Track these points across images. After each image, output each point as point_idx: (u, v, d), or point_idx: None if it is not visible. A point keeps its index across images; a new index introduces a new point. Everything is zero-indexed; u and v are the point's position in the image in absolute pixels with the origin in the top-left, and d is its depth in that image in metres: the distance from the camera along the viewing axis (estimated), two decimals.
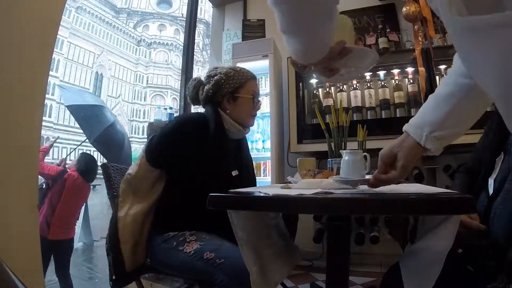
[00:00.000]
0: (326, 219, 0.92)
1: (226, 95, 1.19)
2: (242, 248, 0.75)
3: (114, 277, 1.00)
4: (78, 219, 2.93)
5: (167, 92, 37.14)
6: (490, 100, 0.64)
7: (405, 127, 0.69)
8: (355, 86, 2.31)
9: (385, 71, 2.25)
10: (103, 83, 33.32)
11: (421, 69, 2.04)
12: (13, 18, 1.18)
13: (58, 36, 1.47)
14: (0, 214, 1.11)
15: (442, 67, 2.05)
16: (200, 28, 33.21)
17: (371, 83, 2.31)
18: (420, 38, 2.09)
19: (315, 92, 2.50)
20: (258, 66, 2.42)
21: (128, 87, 35.91)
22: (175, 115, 2.84)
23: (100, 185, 5.72)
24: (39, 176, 1.81)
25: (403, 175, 0.66)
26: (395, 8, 2.53)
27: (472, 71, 0.49)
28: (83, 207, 3.28)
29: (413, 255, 0.73)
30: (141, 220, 1.06)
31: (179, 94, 3.15)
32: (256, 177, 1.40)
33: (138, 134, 33.80)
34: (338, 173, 0.88)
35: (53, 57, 1.43)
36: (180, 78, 3.16)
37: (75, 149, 5.10)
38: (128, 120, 34.40)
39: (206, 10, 29.90)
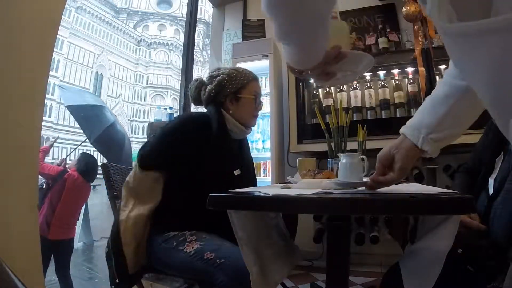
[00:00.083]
0: (326, 219, 0.92)
1: (229, 95, 1.20)
2: (242, 248, 0.75)
3: (117, 280, 1.00)
4: (78, 219, 2.94)
5: (167, 92, 37.14)
6: None
7: (402, 129, 0.69)
8: (355, 86, 2.31)
9: (385, 71, 2.25)
10: (103, 83, 33.32)
11: (421, 69, 2.04)
12: (13, 18, 1.18)
13: (58, 36, 1.47)
14: (0, 214, 1.11)
15: (442, 67, 2.05)
16: (200, 28, 33.22)
17: (371, 83, 2.31)
18: (420, 38, 2.09)
19: (315, 92, 2.50)
20: (258, 66, 2.42)
21: (128, 87, 35.91)
22: (175, 115, 2.84)
23: (100, 185, 5.71)
24: (39, 176, 1.81)
25: (401, 177, 0.66)
26: (395, 8, 2.53)
27: (464, 76, 0.49)
28: (83, 207, 3.28)
29: (413, 255, 0.73)
30: (143, 222, 1.06)
31: (179, 94, 3.15)
32: (256, 177, 1.40)
33: (138, 134, 33.79)
34: (338, 173, 0.88)
35: (53, 57, 1.43)
36: (180, 78, 3.16)
37: (75, 149, 5.10)
38: (128, 120, 34.40)
39: (206, 10, 29.90)
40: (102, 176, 1.28)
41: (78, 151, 3.71)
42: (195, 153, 1.11)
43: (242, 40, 2.77)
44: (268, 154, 2.40)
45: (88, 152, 3.14)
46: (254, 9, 3.05)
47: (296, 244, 1.19)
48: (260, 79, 1.29)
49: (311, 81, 2.44)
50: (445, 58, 2.02)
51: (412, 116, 0.71)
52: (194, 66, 3.18)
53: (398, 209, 0.65)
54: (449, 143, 0.68)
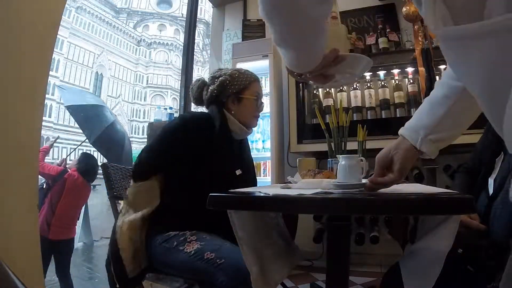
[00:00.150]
0: (326, 219, 0.92)
1: (231, 95, 1.20)
2: (242, 248, 0.75)
3: (117, 285, 1.01)
4: (78, 219, 2.94)
5: (167, 92, 37.14)
6: None
7: (401, 131, 0.70)
8: (355, 86, 2.31)
9: (385, 71, 2.25)
10: (103, 83, 33.32)
11: (421, 69, 2.04)
12: (13, 18, 1.18)
13: (58, 36, 1.47)
14: (0, 214, 1.11)
15: (442, 67, 2.05)
16: (200, 28, 33.22)
17: (371, 83, 2.31)
18: (420, 38, 2.09)
19: (315, 92, 2.50)
20: (258, 66, 2.42)
21: (128, 87, 35.90)
22: (175, 115, 2.84)
23: (100, 185, 5.72)
24: (39, 176, 1.81)
25: (400, 178, 0.66)
26: (395, 8, 2.53)
27: (459, 77, 0.50)
28: (83, 207, 3.28)
29: (413, 255, 0.73)
30: (138, 225, 1.06)
31: (179, 94, 3.15)
32: (256, 177, 1.40)
33: (138, 134, 33.80)
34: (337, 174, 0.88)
35: (53, 57, 1.43)
36: (180, 78, 3.16)
37: (75, 149, 5.10)
38: (128, 120, 34.40)
39: (206, 10, 29.90)
40: (102, 176, 1.28)
41: (78, 151, 3.71)
42: (196, 152, 1.11)
43: (242, 40, 2.77)
44: (268, 154, 2.40)
45: (89, 152, 3.14)
46: (254, 9, 3.05)
47: (296, 244, 1.19)
48: (260, 79, 1.30)
49: (311, 82, 2.44)
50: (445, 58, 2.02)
51: (412, 116, 0.71)
52: (194, 66, 3.18)
53: (398, 209, 0.65)
54: (448, 144, 0.68)
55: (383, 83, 2.24)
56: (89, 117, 3.43)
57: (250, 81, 1.23)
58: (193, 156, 1.11)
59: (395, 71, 2.24)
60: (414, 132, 0.67)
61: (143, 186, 1.10)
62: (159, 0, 40.68)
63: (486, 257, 0.84)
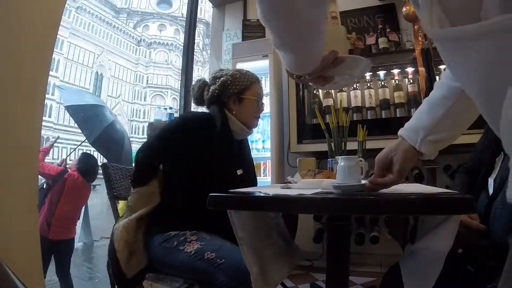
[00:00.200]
0: (326, 219, 0.92)
1: (232, 96, 1.21)
2: (242, 248, 0.75)
3: (116, 286, 1.01)
4: (79, 219, 2.94)
5: (167, 92, 37.13)
6: None
7: (400, 132, 0.70)
8: (355, 86, 2.31)
9: (385, 71, 2.25)
10: (103, 83, 33.31)
11: (421, 69, 2.04)
12: (13, 18, 1.18)
13: (58, 36, 1.47)
14: (0, 214, 1.11)
15: (442, 67, 2.05)
16: (200, 28, 33.21)
17: (371, 83, 2.31)
18: (420, 38, 2.09)
19: (315, 92, 2.50)
20: (258, 66, 2.42)
21: (128, 87, 35.89)
22: (175, 115, 2.84)
23: (100, 185, 5.72)
24: (40, 176, 1.81)
25: (400, 179, 0.67)
26: (395, 8, 2.53)
27: (456, 78, 0.50)
28: (83, 207, 3.28)
29: (413, 255, 0.73)
30: (134, 226, 1.06)
31: (179, 94, 3.15)
32: (256, 177, 1.40)
33: (138, 134, 33.78)
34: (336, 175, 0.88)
35: (53, 57, 1.43)
36: (180, 78, 3.16)
37: (75, 149, 5.10)
38: (128, 120, 34.39)
39: (206, 10, 29.89)
40: (102, 176, 1.29)
41: (78, 151, 3.71)
42: (196, 152, 1.11)
43: (242, 40, 2.77)
44: (268, 154, 2.40)
45: (89, 152, 3.14)
46: (254, 9, 3.05)
47: (296, 244, 1.19)
48: (260, 80, 1.31)
49: (310, 84, 2.44)
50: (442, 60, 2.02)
51: (412, 117, 0.71)
52: (194, 66, 3.18)
53: (398, 209, 0.65)
54: (447, 145, 0.68)
55: (383, 83, 2.24)
56: (88, 117, 3.43)
57: (251, 81, 1.23)
58: (193, 156, 1.11)
59: (395, 71, 2.24)
60: (414, 133, 0.67)
61: (143, 190, 1.11)
62: (159, 0, 40.68)
63: (486, 257, 0.84)
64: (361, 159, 0.76)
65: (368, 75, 2.29)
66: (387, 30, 2.40)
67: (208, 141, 1.12)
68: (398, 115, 2.16)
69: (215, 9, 3.31)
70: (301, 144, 2.26)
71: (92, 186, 2.89)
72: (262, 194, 0.71)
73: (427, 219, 0.74)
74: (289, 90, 2.39)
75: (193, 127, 1.13)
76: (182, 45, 3.49)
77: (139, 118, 35.55)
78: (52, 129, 24.85)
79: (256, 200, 0.71)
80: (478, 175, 1.05)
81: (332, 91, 2.39)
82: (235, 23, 3.09)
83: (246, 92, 1.22)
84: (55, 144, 3.37)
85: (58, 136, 6.48)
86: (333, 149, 1.39)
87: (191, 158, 1.12)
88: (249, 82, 1.23)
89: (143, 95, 36.70)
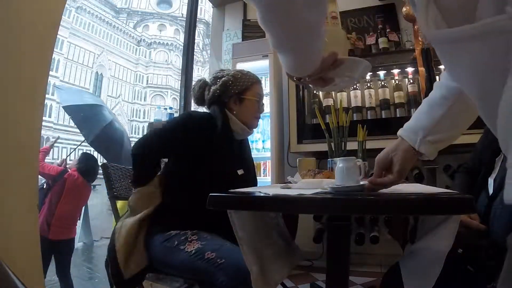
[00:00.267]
0: (326, 219, 0.92)
1: (233, 96, 1.21)
2: (242, 248, 0.75)
3: (114, 286, 1.01)
4: (79, 219, 2.93)
5: (167, 92, 37.12)
6: None
7: (400, 132, 0.70)
8: (355, 86, 2.31)
9: (385, 71, 2.25)
10: (103, 83, 33.30)
11: (421, 69, 2.04)
12: (13, 18, 1.18)
13: (58, 36, 1.47)
14: (0, 214, 1.11)
15: (442, 67, 2.04)
16: (200, 28, 33.20)
17: (371, 83, 2.31)
18: (420, 38, 2.09)
19: (315, 92, 2.50)
20: (258, 66, 2.42)
21: (128, 87, 35.88)
22: (175, 115, 2.83)
23: (100, 185, 5.72)
24: (40, 176, 1.81)
25: (400, 179, 0.67)
26: (395, 8, 2.53)
27: (453, 79, 0.50)
28: (83, 207, 3.28)
29: (413, 255, 0.73)
30: (136, 227, 1.07)
31: (179, 94, 3.14)
32: (256, 177, 1.40)
33: (138, 134, 33.78)
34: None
35: (53, 57, 1.43)
36: (180, 78, 3.15)
37: (75, 149, 5.10)
38: (128, 120, 34.38)
39: (206, 10, 29.89)
40: (102, 176, 1.29)
41: (78, 151, 3.70)
42: (196, 152, 1.11)
43: (242, 40, 2.77)
44: (268, 154, 2.40)
45: (89, 152, 3.14)
46: (254, 9, 3.00)
47: (296, 244, 1.19)
48: (261, 80, 1.32)
49: (310, 86, 2.44)
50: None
51: (411, 117, 0.71)
52: (194, 66, 3.18)
53: (398, 209, 0.65)
54: (447, 145, 0.68)
55: (383, 83, 2.24)
56: (87, 117, 3.42)
57: (252, 82, 1.24)
58: (194, 155, 1.12)
59: (395, 71, 2.24)
60: (413, 133, 0.67)
61: (144, 190, 1.11)
62: (159, 0, 40.67)
63: (486, 257, 0.84)
64: (359, 160, 0.76)
65: (368, 75, 2.29)
66: (387, 30, 2.40)
67: (209, 141, 1.12)
68: (398, 115, 2.16)
69: (215, 9, 3.31)
70: (301, 144, 2.26)
71: (92, 186, 2.89)
72: (262, 194, 0.71)
73: (427, 219, 0.74)
74: (289, 90, 2.39)
75: (193, 127, 1.13)
76: (182, 45, 3.48)
77: (139, 118, 35.54)
78: (52, 129, 24.84)
79: (256, 200, 0.71)
80: (478, 175, 1.05)
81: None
82: (235, 23, 3.09)
83: (247, 92, 1.22)
84: (55, 144, 3.36)
85: (58, 136, 6.48)
86: (333, 149, 1.39)
87: (191, 158, 1.12)
88: (250, 82, 1.23)
89: (143, 95, 36.69)
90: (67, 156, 3.67)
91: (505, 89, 0.36)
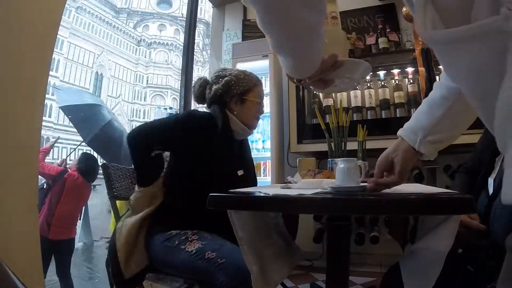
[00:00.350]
0: (326, 219, 0.92)
1: (235, 96, 1.21)
2: (242, 248, 0.75)
3: (114, 286, 1.01)
4: (80, 219, 2.93)
5: (167, 92, 37.11)
6: None
7: (400, 132, 0.70)
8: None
9: (385, 71, 2.25)
10: (103, 83, 33.30)
11: (421, 69, 2.04)
12: (13, 18, 1.18)
13: (58, 36, 1.47)
14: (0, 214, 1.11)
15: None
16: (200, 28, 33.19)
17: (371, 83, 2.31)
18: (420, 38, 2.09)
19: (315, 92, 2.49)
20: (258, 66, 2.42)
21: (128, 87, 35.87)
22: None
23: (100, 185, 5.72)
24: (40, 176, 1.81)
25: (402, 180, 0.67)
26: (395, 8, 2.53)
27: (451, 79, 0.50)
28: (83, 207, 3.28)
29: (413, 255, 0.73)
30: (137, 227, 1.07)
31: (179, 94, 3.14)
32: (256, 177, 1.41)
33: None
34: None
35: (53, 57, 1.43)
36: (180, 78, 3.15)
37: (75, 149, 5.10)
38: (128, 120, 34.37)
39: (206, 10, 29.86)
40: (102, 176, 1.29)
41: (78, 151, 3.70)
42: (196, 152, 1.11)
43: (242, 40, 2.77)
44: (268, 154, 2.40)
45: (89, 152, 3.14)
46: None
47: (296, 244, 1.19)
48: (262, 82, 1.34)
49: (311, 87, 2.43)
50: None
51: (411, 117, 0.71)
52: (194, 66, 3.17)
53: (398, 209, 0.65)
54: (447, 146, 0.68)
55: (383, 83, 2.24)
56: (85, 116, 3.42)
57: (254, 84, 1.24)
58: (193, 155, 1.12)
59: (395, 71, 2.24)
60: (413, 133, 0.67)
61: (146, 191, 1.11)
62: (159, 0, 40.66)
63: (486, 257, 0.84)
64: (360, 161, 0.76)
65: (368, 75, 2.29)
66: (387, 30, 2.40)
67: (209, 141, 1.12)
68: (398, 115, 2.16)
69: (215, 9, 3.31)
70: (301, 144, 2.26)
71: (92, 186, 2.89)
72: (262, 194, 0.71)
73: (427, 219, 0.74)
74: (289, 90, 2.39)
75: (192, 125, 1.13)
76: (182, 45, 3.48)
77: (139, 118, 35.51)
78: (52, 129, 24.83)
79: (256, 200, 0.71)
80: (478, 175, 1.05)
81: None
82: (235, 23, 3.09)
83: (249, 93, 1.23)
84: (55, 144, 3.35)
85: (59, 136, 6.47)
86: (333, 149, 1.39)
87: (191, 157, 1.12)
88: (252, 84, 1.24)
89: (143, 95, 36.68)
90: (67, 156, 3.67)
91: (502, 89, 0.36)
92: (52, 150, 3.00)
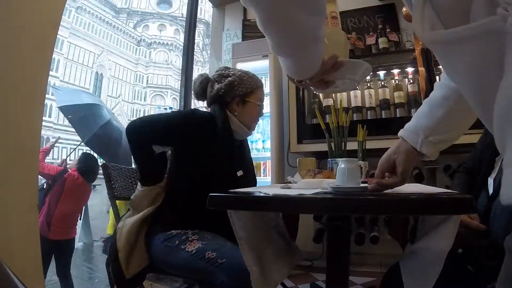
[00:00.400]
0: (326, 219, 0.92)
1: (237, 97, 1.21)
2: (242, 248, 0.75)
3: (115, 286, 1.01)
4: (80, 219, 2.93)
5: (167, 92, 37.11)
6: None
7: (401, 133, 0.70)
8: None
9: (385, 71, 2.25)
10: (103, 83, 33.30)
11: (421, 69, 2.04)
12: (13, 18, 1.18)
13: (58, 36, 1.46)
14: (0, 214, 1.11)
15: None
16: (200, 28, 33.18)
17: (371, 83, 2.31)
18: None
19: (315, 92, 2.49)
20: (258, 66, 2.42)
21: (128, 87, 35.87)
22: None
23: (100, 185, 5.72)
24: (40, 176, 1.81)
25: (405, 181, 0.66)
26: (395, 8, 2.53)
27: (451, 79, 0.50)
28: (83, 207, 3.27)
29: (413, 255, 0.73)
30: (138, 226, 1.07)
31: (179, 94, 3.14)
32: (256, 177, 1.41)
33: None
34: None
35: (53, 57, 1.43)
36: (180, 78, 3.15)
37: (75, 149, 5.10)
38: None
39: (206, 10, 29.85)
40: (102, 176, 1.29)
41: (78, 151, 3.70)
42: (196, 152, 1.11)
43: (242, 40, 2.77)
44: (268, 154, 2.40)
45: (89, 152, 3.14)
46: None
47: (296, 244, 1.19)
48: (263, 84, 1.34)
49: (311, 88, 2.43)
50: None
51: (412, 117, 0.71)
52: (194, 66, 3.18)
53: (398, 209, 0.65)
54: (448, 146, 0.68)
55: (383, 83, 2.24)
56: (84, 116, 3.41)
57: (257, 86, 1.25)
58: (193, 155, 1.12)
59: (395, 71, 2.24)
60: (414, 134, 0.67)
61: (148, 190, 1.11)
62: (159, 0, 40.66)
63: (486, 257, 0.84)
64: (360, 162, 0.76)
65: (368, 75, 2.29)
66: (387, 30, 2.40)
67: (209, 140, 1.12)
68: (398, 115, 2.16)
69: (215, 9, 3.31)
70: (301, 144, 2.26)
71: (92, 186, 2.89)
72: (262, 194, 0.71)
73: (427, 219, 0.74)
74: (289, 90, 2.39)
75: (193, 122, 1.14)
76: (182, 45, 3.48)
77: None
78: (52, 129, 24.83)
79: (256, 200, 0.71)
80: (478, 175, 1.05)
81: None
82: (235, 23, 3.09)
83: (251, 95, 1.23)
84: (55, 144, 3.35)
85: (59, 136, 6.46)
86: (333, 149, 1.39)
87: (191, 157, 1.12)
88: (254, 86, 1.24)
89: (143, 95, 36.67)
90: (67, 156, 3.67)
91: (500, 89, 0.36)
92: (52, 150, 3.00)
